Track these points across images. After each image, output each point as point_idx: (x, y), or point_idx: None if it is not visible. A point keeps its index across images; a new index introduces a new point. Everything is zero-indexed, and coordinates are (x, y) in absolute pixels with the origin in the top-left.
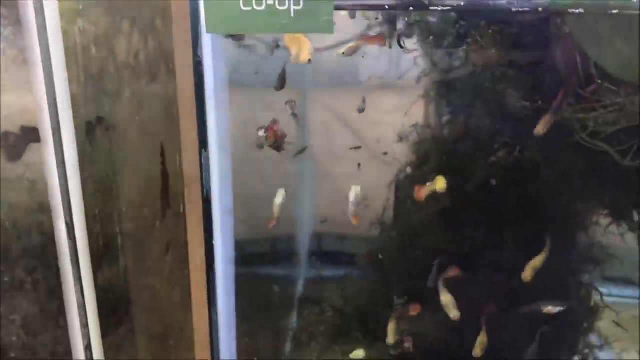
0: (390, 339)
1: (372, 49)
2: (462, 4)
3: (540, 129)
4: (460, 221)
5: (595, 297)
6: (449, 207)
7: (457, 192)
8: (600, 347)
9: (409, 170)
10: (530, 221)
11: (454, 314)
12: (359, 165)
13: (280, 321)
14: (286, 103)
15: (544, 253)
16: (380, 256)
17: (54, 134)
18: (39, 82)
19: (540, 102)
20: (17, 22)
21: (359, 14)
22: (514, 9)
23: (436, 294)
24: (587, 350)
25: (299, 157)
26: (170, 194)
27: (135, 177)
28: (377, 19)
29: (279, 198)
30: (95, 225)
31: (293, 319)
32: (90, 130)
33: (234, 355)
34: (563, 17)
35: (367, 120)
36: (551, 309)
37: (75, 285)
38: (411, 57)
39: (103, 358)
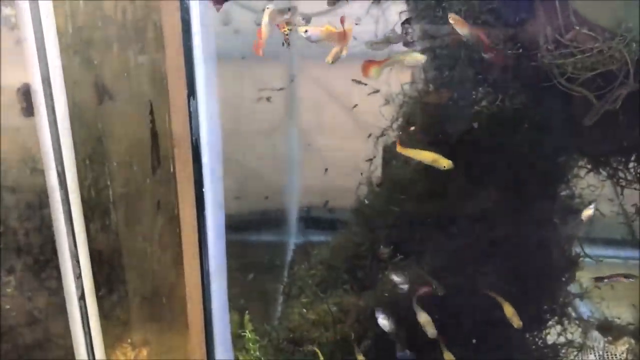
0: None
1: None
2: None
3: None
4: (441, 173)
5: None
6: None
7: (439, 146)
8: (580, 297)
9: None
10: (511, 170)
11: (431, 332)
12: None
13: (272, 281)
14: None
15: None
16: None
17: (44, 88)
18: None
19: (520, 49)
20: None
21: None
22: None
23: (420, 242)
24: (567, 299)
25: (287, 129)
26: (160, 153)
27: (125, 134)
28: None
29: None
30: (86, 177)
31: (284, 276)
32: (78, 85)
33: (226, 311)
34: None
35: (356, 89)
36: None
37: (67, 235)
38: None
39: (97, 309)
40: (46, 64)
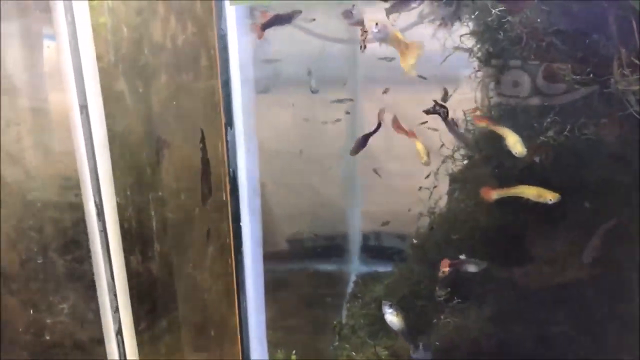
0: None
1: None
2: None
3: None
4: (505, 209)
5: None
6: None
7: (502, 179)
8: None
9: (458, 158)
10: (583, 207)
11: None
12: None
13: (329, 315)
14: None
15: None
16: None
17: (81, 112)
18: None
19: (591, 74)
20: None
21: None
22: None
23: (481, 288)
24: None
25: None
26: (212, 181)
27: (172, 162)
28: None
29: None
30: (127, 208)
31: (336, 313)
32: (120, 112)
33: (265, 350)
34: None
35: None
36: None
37: (105, 268)
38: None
39: (135, 344)
40: (83, 91)
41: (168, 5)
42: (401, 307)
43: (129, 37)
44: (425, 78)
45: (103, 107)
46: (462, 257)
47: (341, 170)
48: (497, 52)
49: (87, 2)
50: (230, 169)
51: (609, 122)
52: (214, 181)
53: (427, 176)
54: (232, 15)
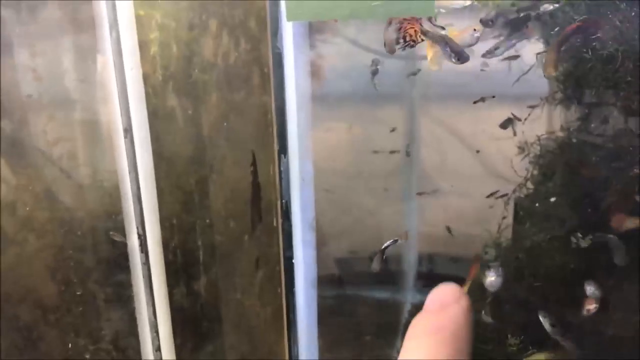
0: None
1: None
2: None
3: None
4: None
5: None
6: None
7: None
8: None
9: (529, 185)
10: None
11: None
12: None
13: (375, 348)
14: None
15: None
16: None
17: (125, 135)
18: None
19: None
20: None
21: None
22: None
23: (562, 331)
24: None
25: (404, 172)
26: (262, 207)
27: (221, 188)
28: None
29: None
30: (172, 238)
31: (389, 347)
32: (167, 136)
33: None
34: None
35: (483, 133)
36: None
37: (147, 302)
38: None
39: None
40: (128, 112)
41: (220, 21)
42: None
43: (178, 55)
44: (493, 97)
45: (149, 130)
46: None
47: (397, 190)
48: (580, 74)
49: (133, 17)
50: (283, 201)
51: None
52: (264, 206)
53: (491, 194)
54: (289, 32)
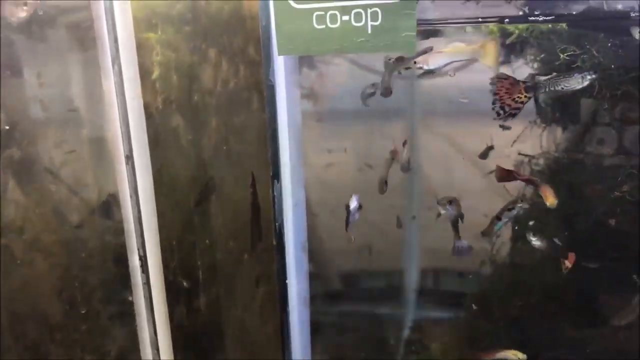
0: None
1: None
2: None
3: None
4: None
5: None
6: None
7: (573, 237)
8: None
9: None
10: None
11: None
12: None
13: None
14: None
15: None
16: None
17: (127, 162)
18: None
19: None
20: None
21: None
22: (633, 14)
23: (551, 349)
24: None
25: (404, 188)
26: (262, 226)
27: (222, 209)
28: None
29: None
30: (172, 259)
31: None
32: (167, 160)
33: None
34: None
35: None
36: None
37: (148, 321)
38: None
39: None
40: (129, 139)
41: (220, 49)
42: None
43: (178, 83)
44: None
45: (149, 154)
46: None
47: (399, 205)
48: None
49: (134, 46)
50: (276, 224)
51: None
52: (264, 225)
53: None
54: (281, 65)
